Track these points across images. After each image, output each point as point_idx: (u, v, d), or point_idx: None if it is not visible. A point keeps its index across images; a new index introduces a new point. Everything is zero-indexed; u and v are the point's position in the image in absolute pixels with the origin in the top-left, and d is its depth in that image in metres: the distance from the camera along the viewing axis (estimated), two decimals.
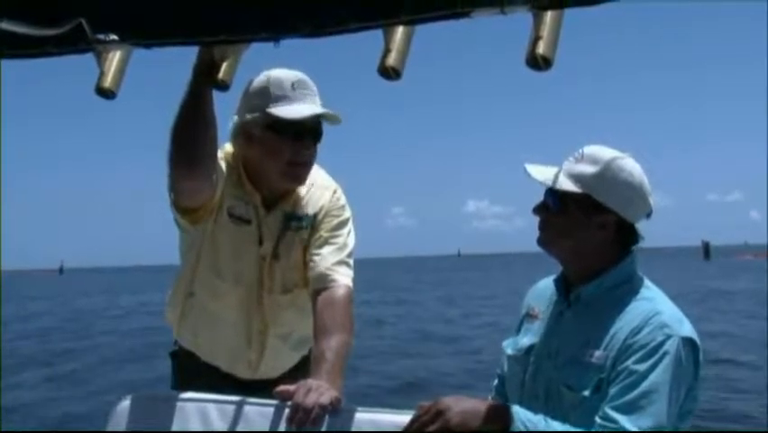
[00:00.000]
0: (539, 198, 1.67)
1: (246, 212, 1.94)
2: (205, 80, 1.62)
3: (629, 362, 1.46)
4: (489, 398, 1.79)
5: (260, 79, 1.89)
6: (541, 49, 1.21)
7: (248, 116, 1.89)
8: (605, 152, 1.61)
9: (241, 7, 1.33)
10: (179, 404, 1.62)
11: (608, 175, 1.58)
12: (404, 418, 1.46)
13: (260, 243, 1.96)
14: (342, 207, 2.03)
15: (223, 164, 1.89)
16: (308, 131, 1.90)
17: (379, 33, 1.36)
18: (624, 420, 1.41)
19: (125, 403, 1.66)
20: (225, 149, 1.96)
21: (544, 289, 1.77)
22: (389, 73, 1.34)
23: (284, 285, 2.00)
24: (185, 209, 1.85)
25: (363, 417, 1.51)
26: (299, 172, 1.92)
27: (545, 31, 1.21)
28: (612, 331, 1.52)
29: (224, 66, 1.62)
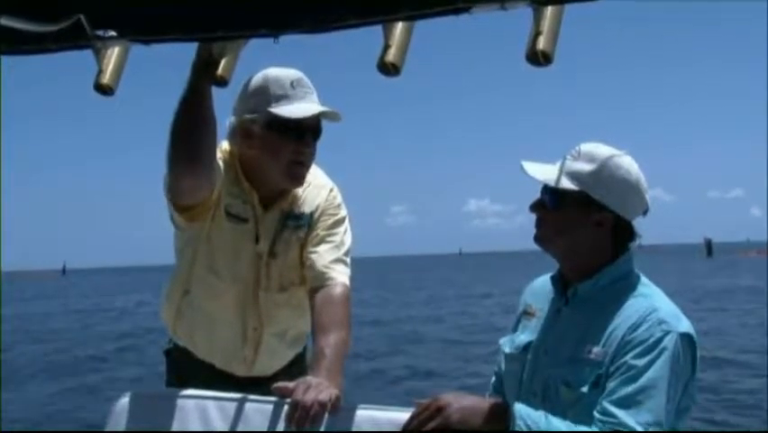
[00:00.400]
0: (538, 195, 1.67)
1: (243, 210, 1.94)
2: (204, 77, 1.62)
3: (627, 357, 1.46)
4: (487, 396, 1.78)
5: (258, 78, 1.89)
6: (541, 44, 1.21)
7: (247, 116, 1.89)
8: (602, 150, 1.61)
9: (239, 3, 1.33)
10: (179, 402, 1.61)
11: (604, 172, 1.58)
12: (403, 415, 1.46)
13: (257, 241, 1.96)
14: (339, 205, 2.03)
15: (220, 162, 1.88)
16: (309, 129, 1.90)
17: (378, 29, 1.36)
18: (623, 415, 1.41)
19: (125, 401, 1.66)
20: (222, 147, 1.96)
21: (541, 286, 1.77)
22: (389, 69, 1.34)
23: (281, 283, 2.00)
24: (183, 207, 1.84)
25: (363, 414, 1.51)
26: (300, 172, 1.92)
27: (545, 26, 1.21)
28: (610, 328, 1.52)
29: (223, 62, 1.62)
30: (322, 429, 1.50)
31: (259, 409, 1.57)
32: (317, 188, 2.02)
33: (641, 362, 1.45)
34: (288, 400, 1.53)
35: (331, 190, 2.04)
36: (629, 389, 1.43)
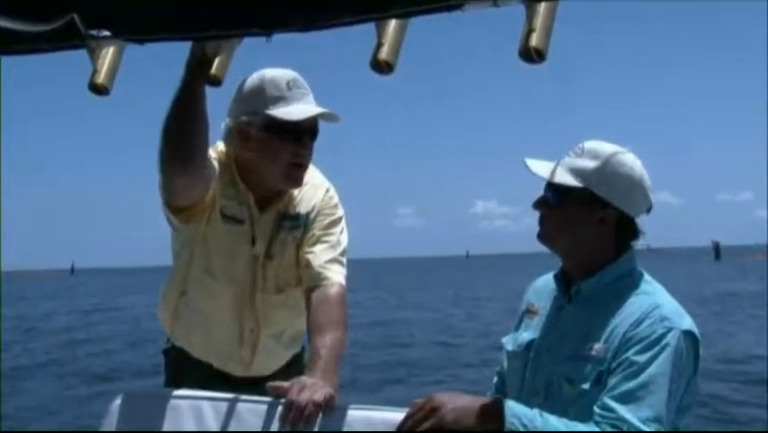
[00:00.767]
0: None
1: (239, 212, 1.94)
2: (197, 76, 1.62)
3: (629, 354, 1.46)
4: (488, 395, 1.78)
5: (253, 80, 1.88)
6: (534, 41, 1.20)
7: (244, 118, 1.88)
8: (605, 147, 1.61)
9: (233, 2, 1.33)
10: (173, 402, 1.61)
11: (608, 169, 1.57)
12: (398, 415, 1.45)
13: (253, 243, 1.96)
14: (335, 205, 2.02)
15: (215, 164, 1.88)
16: (307, 131, 1.90)
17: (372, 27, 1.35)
18: (623, 410, 1.40)
19: (120, 402, 1.66)
20: (218, 148, 1.96)
21: (543, 285, 1.77)
22: (382, 67, 1.34)
23: (277, 285, 2.00)
24: (177, 208, 1.84)
25: (357, 414, 1.51)
26: (299, 173, 1.92)
27: (538, 23, 1.20)
28: (612, 325, 1.52)
29: (217, 61, 1.62)
30: (316, 429, 1.49)
31: (253, 409, 1.57)
32: (314, 188, 2.01)
33: (642, 358, 1.44)
34: (283, 400, 1.52)
35: (327, 190, 2.03)
36: (630, 385, 1.42)
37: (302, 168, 1.92)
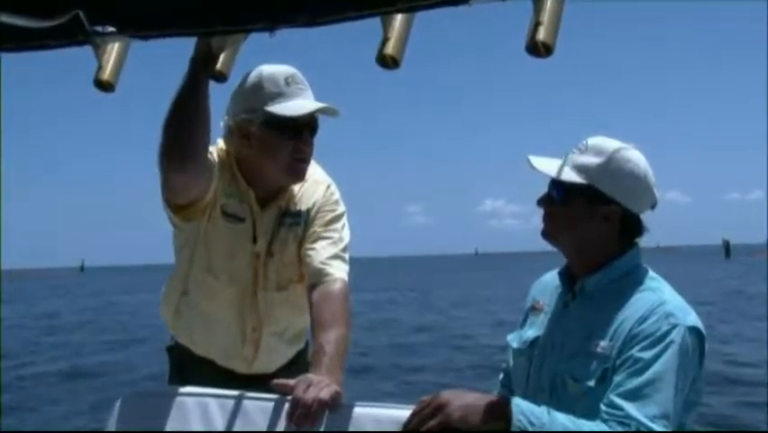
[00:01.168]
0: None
1: (240, 210, 1.93)
2: (202, 72, 1.61)
3: (635, 350, 1.45)
4: (495, 392, 1.77)
5: (251, 77, 1.87)
6: (541, 35, 1.19)
7: (243, 116, 1.87)
8: (609, 143, 1.60)
9: None
10: (179, 399, 1.61)
11: (612, 166, 1.56)
12: (404, 413, 1.44)
13: (255, 240, 1.95)
14: (336, 201, 2.02)
15: (216, 162, 1.87)
16: (307, 126, 1.89)
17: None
18: (629, 408, 1.39)
19: (126, 400, 1.66)
20: (218, 146, 1.95)
21: (548, 282, 1.76)
22: (388, 62, 1.33)
23: (278, 282, 1.99)
24: (178, 206, 1.83)
25: (363, 412, 1.50)
26: (301, 168, 1.91)
27: (546, 17, 1.19)
28: (617, 321, 1.51)
29: (222, 57, 1.61)
30: (322, 427, 1.48)
31: (260, 406, 1.56)
32: (315, 184, 2.01)
33: (648, 355, 1.43)
34: (289, 397, 1.52)
35: (328, 187, 2.02)
36: (636, 382, 1.41)
37: (304, 162, 1.91)
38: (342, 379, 1.61)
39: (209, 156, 1.82)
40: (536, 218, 1.68)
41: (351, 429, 1.49)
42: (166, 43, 1.40)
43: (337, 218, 1.99)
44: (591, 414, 1.43)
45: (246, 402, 1.58)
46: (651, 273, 1.61)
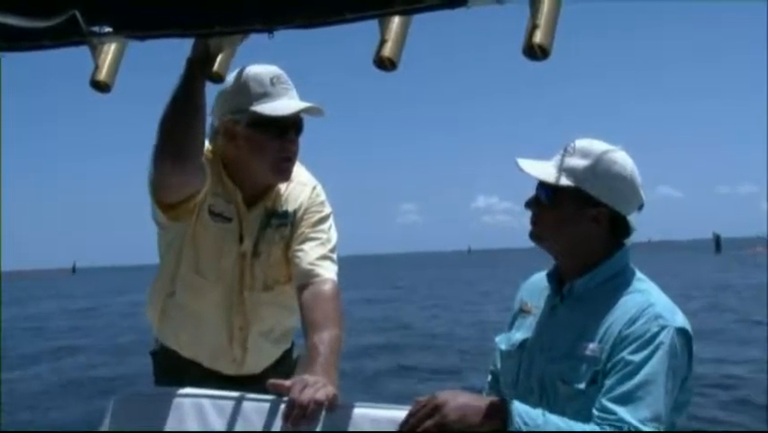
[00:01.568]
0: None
1: (227, 210, 1.94)
2: (199, 73, 1.61)
3: (624, 353, 1.46)
4: (484, 394, 1.77)
5: (236, 77, 1.88)
6: (538, 38, 1.20)
7: (229, 116, 1.88)
8: (596, 146, 1.61)
9: None
10: (175, 401, 1.60)
11: (599, 168, 1.58)
12: (400, 413, 1.44)
13: (241, 240, 1.95)
14: (323, 202, 2.03)
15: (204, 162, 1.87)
16: (292, 125, 1.90)
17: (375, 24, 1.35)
18: (622, 411, 1.41)
19: (122, 401, 1.65)
20: (205, 147, 1.95)
21: (536, 283, 1.77)
22: (385, 64, 1.33)
23: (265, 282, 2.00)
24: (168, 205, 1.83)
25: (360, 412, 1.50)
26: (287, 168, 1.92)
27: (542, 19, 1.20)
28: (606, 324, 1.52)
29: (219, 59, 1.61)
30: (319, 428, 1.49)
31: (256, 407, 1.56)
32: (300, 185, 2.02)
33: (638, 357, 1.45)
34: (285, 398, 1.52)
35: (314, 188, 2.03)
36: (627, 385, 1.43)
37: (290, 161, 1.93)
38: (336, 378, 1.61)
39: (204, 155, 1.82)
40: (529, 215, 1.69)
41: (347, 430, 1.49)
42: (162, 44, 1.40)
43: (324, 219, 2.00)
44: (582, 416, 1.44)
45: (242, 403, 1.58)
46: (638, 274, 1.62)
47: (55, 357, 11.66)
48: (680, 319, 1.51)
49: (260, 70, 1.89)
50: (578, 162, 1.58)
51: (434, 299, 20.92)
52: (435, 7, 1.22)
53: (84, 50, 1.49)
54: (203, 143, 1.78)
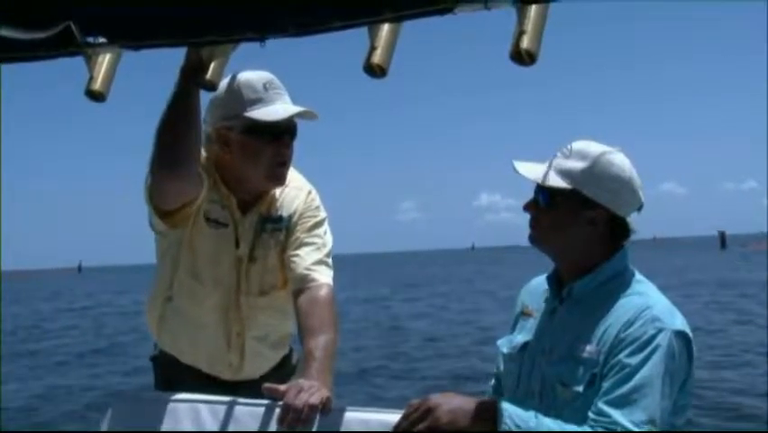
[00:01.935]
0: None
1: (222, 215, 1.95)
2: (192, 81, 1.63)
3: (621, 356, 1.46)
4: (487, 397, 1.78)
5: (229, 84, 1.89)
6: (525, 43, 1.20)
7: (223, 123, 1.89)
8: (594, 147, 1.60)
9: (227, 8, 1.34)
10: (171, 405, 1.62)
11: (597, 170, 1.57)
12: (393, 417, 1.46)
13: (237, 245, 1.97)
14: (318, 207, 2.04)
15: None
16: (286, 130, 1.91)
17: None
18: (616, 414, 1.40)
19: (119, 404, 1.67)
20: None
21: (537, 286, 1.77)
22: (375, 71, 1.35)
23: (261, 287, 2.01)
24: (165, 212, 1.85)
25: (353, 416, 1.52)
26: (281, 172, 1.93)
27: (529, 25, 1.21)
28: (604, 326, 1.52)
29: (212, 67, 1.63)
30: (313, 432, 1.50)
31: (250, 411, 1.58)
32: (295, 190, 2.02)
33: (634, 360, 1.44)
34: (280, 402, 1.53)
35: (309, 193, 2.04)
36: (623, 389, 1.42)
37: (284, 166, 1.93)
38: (331, 383, 1.63)
39: (200, 162, 1.84)
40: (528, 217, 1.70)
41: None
42: (158, 53, 1.42)
43: (319, 224, 2.01)
44: (580, 419, 1.44)
45: (237, 408, 1.60)
46: (637, 276, 1.62)
47: (55, 357, 11.71)
48: (678, 322, 1.50)
49: (252, 76, 1.89)
50: (575, 164, 1.58)
51: (436, 297, 20.93)
52: (424, 14, 1.23)
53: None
54: (199, 151, 1.79)
